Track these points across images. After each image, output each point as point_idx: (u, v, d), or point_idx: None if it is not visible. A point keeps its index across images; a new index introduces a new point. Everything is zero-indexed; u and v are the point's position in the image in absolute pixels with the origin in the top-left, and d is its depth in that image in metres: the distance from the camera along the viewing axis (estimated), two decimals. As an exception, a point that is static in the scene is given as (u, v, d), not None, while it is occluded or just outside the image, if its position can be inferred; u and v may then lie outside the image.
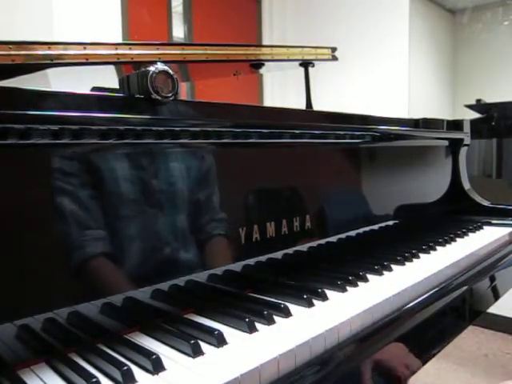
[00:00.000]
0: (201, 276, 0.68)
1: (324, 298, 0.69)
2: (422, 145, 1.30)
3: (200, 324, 0.60)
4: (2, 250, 0.49)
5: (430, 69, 3.55)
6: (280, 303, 0.64)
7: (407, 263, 0.89)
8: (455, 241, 1.10)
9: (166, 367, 0.49)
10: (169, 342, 0.55)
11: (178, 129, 0.64)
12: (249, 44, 0.98)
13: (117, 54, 0.70)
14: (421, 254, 0.96)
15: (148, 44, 0.74)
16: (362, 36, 3.31)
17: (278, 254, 0.80)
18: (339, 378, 0.55)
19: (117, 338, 0.55)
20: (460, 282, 0.86)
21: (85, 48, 0.66)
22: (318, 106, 1.18)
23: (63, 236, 0.54)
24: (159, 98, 0.61)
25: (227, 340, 0.55)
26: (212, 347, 0.53)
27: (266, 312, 0.60)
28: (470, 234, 1.18)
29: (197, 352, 0.51)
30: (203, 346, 0.53)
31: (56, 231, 0.53)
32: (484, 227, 1.27)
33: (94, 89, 0.69)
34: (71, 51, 0.65)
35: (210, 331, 0.55)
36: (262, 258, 0.77)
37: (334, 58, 1.20)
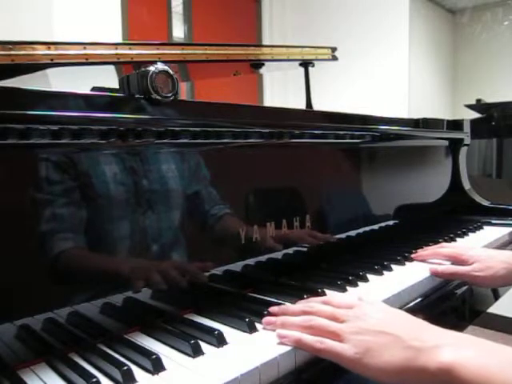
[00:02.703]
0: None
1: (324, 297, 0.69)
2: (422, 145, 1.30)
3: (200, 324, 0.60)
4: (3, 250, 0.49)
5: (430, 69, 3.55)
6: (280, 303, 0.64)
7: (407, 263, 0.89)
8: (455, 241, 1.10)
9: (166, 367, 0.48)
10: (169, 342, 0.55)
11: (177, 129, 0.64)
12: (249, 44, 0.98)
13: (117, 54, 0.70)
14: (421, 254, 0.96)
15: (148, 44, 0.74)
16: (362, 36, 3.31)
17: (278, 254, 0.80)
18: (337, 376, 0.55)
19: (117, 338, 0.55)
20: (460, 282, 0.86)
21: (85, 48, 0.66)
22: (318, 105, 1.18)
23: (67, 236, 0.54)
24: (159, 97, 0.61)
25: (227, 340, 0.55)
26: (212, 347, 0.53)
27: (266, 312, 0.60)
28: (470, 233, 1.18)
29: (197, 352, 0.51)
30: (203, 345, 0.53)
31: (58, 231, 0.53)
32: (484, 227, 1.27)
33: (94, 89, 0.69)
34: (71, 51, 0.65)
35: (210, 331, 0.55)
36: (262, 258, 0.77)
37: (334, 58, 1.20)
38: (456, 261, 0.87)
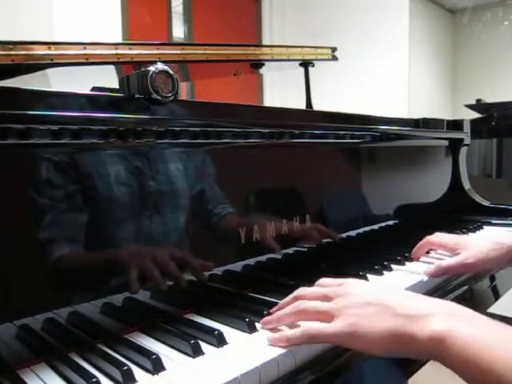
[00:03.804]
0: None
1: (324, 297, 0.69)
2: (422, 145, 1.30)
3: (200, 324, 0.60)
4: (2, 250, 0.49)
5: (429, 69, 3.55)
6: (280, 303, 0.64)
7: (407, 263, 0.89)
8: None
9: (166, 367, 0.48)
10: (169, 342, 0.55)
11: (177, 129, 0.64)
12: (249, 44, 0.98)
13: (117, 54, 0.70)
14: (421, 254, 0.96)
15: (148, 44, 0.74)
16: (362, 36, 3.32)
17: (278, 254, 0.80)
18: (337, 377, 0.55)
19: (117, 338, 0.55)
20: (460, 281, 0.86)
21: (85, 48, 0.66)
22: (317, 106, 1.18)
23: (68, 236, 0.54)
24: (159, 97, 0.61)
25: (227, 340, 0.55)
26: (212, 347, 0.53)
27: (266, 312, 0.60)
28: (470, 233, 1.18)
29: (197, 352, 0.51)
30: (203, 345, 0.53)
31: (59, 231, 0.53)
32: (484, 227, 1.27)
33: (94, 89, 0.69)
34: (71, 51, 0.65)
35: (210, 331, 0.55)
36: (262, 258, 0.77)
37: (334, 58, 1.20)
38: (445, 250, 0.88)
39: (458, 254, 0.83)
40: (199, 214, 0.70)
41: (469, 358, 0.42)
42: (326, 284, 0.60)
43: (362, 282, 0.59)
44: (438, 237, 0.91)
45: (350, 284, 0.57)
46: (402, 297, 0.53)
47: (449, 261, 0.82)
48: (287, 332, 0.54)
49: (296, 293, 0.59)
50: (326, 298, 0.55)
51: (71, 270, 0.55)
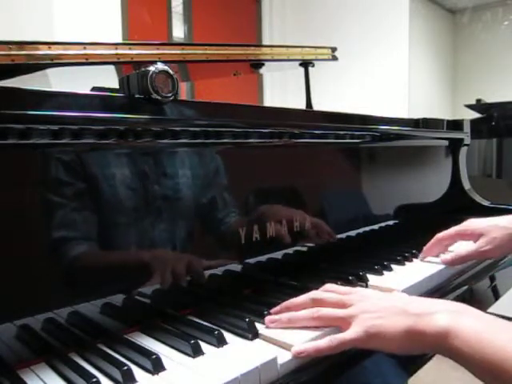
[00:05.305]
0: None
1: (324, 297, 0.69)
2: (421, 145, 1.30)
3: (200, 324, 0.60)
4: (1, 250, 0.49)
5: (429, 69, 3.55)
6: (280, 303, 0.64)
7: (407, 263, 0.89)
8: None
9: (166, 367, 0.49)
10: (169, 342, 0.55)
11: (177, 129, 0.64)
12: (249, 44, 0.98)
13: (117, 54, 0.70)
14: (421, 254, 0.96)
15: (148, 44, 0.74)
16: (362, 36, 3.32)
17: (278, 254, 0.80)
18: (337, 376, 0.55)
19: (117, 338, 0.55)
20: (460, 281, 0.86)
21: (85, 48, 0.66)
22: (317, 106, 1.18)
23: (66, 236, 0.54)
24: (159, 97, 0.61)
25: (227, 340, 0.55)
26: (212, 347, 0.53)
27: (265, 312, 0.60)
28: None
29: (197, 352, 0.51)
30: (203, 345, 0.53)
31: (59, 231, 0.53)
32: (484, 227, 1.26)
33: (94, 89, 0.69)
34: (71, 51, 0.65)
35: (210, 331, 0.55)
36: (262, 258, 0.77)
37: (334, 58, 1.20)
38: (462, 238, 0.88)
39: (475, 236, 0.84)
40: (204, 215, 0.70)
41: (472, 351, 0.44)
42: (339, 292, 0.61)
43: (369, 289, 0.62)
44: (452, 229, 0.90)
45: (362, 291, 0.60)
46: (410, 300, 0.56)
47: (468, 250, 0.84)
48: (312, 343, 0.53)
49: (313, 295, 0.60)
50: (344, 306, 0.57)
51: (72, 270, 0.55)
